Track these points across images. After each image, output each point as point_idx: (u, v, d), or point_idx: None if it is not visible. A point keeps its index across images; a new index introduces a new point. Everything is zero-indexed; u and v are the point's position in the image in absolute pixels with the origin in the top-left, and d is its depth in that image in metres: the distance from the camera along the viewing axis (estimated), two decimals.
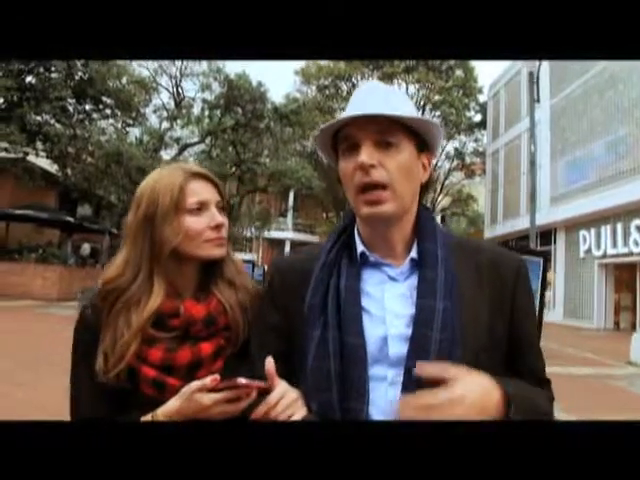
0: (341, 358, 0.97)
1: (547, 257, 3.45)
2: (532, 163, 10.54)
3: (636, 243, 15.76)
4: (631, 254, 16.10)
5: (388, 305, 1.01)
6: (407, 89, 30.61)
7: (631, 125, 16.07)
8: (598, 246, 17.75)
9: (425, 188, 1.08)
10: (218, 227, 1.19)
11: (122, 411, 1.12)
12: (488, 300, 1.02)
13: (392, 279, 1.03)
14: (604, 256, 17.52)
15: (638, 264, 16.52)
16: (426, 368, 0.87)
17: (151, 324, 1.14)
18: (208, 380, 0.99)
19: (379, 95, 1.01)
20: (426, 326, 0.96)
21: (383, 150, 0.98)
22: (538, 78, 10.57)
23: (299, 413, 0.95)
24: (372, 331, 0.99)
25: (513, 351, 1.03)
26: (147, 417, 1.07)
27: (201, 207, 1.18)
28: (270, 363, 0.95)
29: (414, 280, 1.01)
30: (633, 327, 16.00)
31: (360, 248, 1.05)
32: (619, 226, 16.62)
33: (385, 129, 0.98)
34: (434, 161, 1.10)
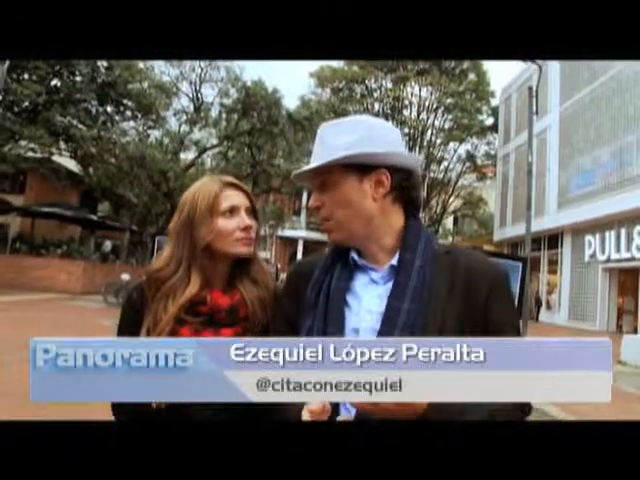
0: None
1: (525, 262, 3.88)
2: (529, 172, 11.00)
3: (638, 248, 16.10)
4: (633, 259, 16.46)
5: (365, 303, 1.14)
6: (420, 92, 31.04)
7: (636, 133, 16.43)
8: (602, 251, 18.07)
9: (405, 198, 1.17)
10: (247, 228, 1.35)
11: None
12: (459, 306, 1.09)
13: (374, 282, 1.16)
14: (608, 260, 17.85)
15: None
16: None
17: (184, 309, 1.33)
18: None
19: (317, 144, 1.17)
20: (390, 324, 1.08)
21: (326, 191, 1.15)
22: (537, 92, 11.04)
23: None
24: (349, 324, 1.13)
25: None
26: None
27: (232, 211, 1.35)
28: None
29: (391, 284, 1.13)
30: (635, 330, 16.30)
31: (352, 254, 1.19)
32: (623, 232, 16.96)
33: (320, 174, 1.14)
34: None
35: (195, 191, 1.37)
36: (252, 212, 1.39)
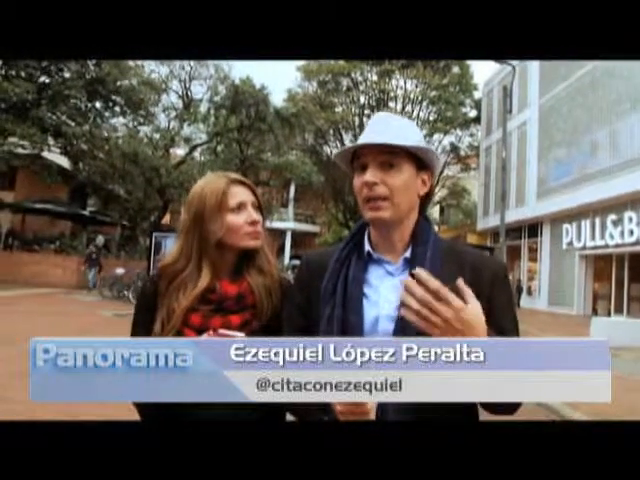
0: (342, 332, 1.16)
1: (492, 252, 4.40)
2: (503, 168, 11.63)
3: (611, 236, 16.77)
4: (607, 246, 17.18)
5: (383, 292, 1.21)
6: (405, 85, 31.46)
7: (608, 127, 17.08)
8: (579, 238, 18.71)
9: (426, 200, 1.28)
10: (254, 223, 1.40)
11: None
12: None
13: (389, 273, 1.24)
14: (584, 248, 18.54)
15: (613, 256, 17.59)
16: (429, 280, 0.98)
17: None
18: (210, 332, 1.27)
19: (386, 125, 1.21)
20: None
21: (386, 170, 1.18)
22: (511, 92, 11.65)
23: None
24: (368, 311, 1.20)
25: None
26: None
27: (240, 207, 1.40)
28: None
29: (406, 275, 1.17)
30: (609, 313, 17.10)
31: (367, 247, 1.26)
32: (597, 220, 17.62)
33: (388, 153, 1.18)
34: (434, 179, 1.27)
35: (202, 189, 1.41)
36: (258, 207, 1.45)
